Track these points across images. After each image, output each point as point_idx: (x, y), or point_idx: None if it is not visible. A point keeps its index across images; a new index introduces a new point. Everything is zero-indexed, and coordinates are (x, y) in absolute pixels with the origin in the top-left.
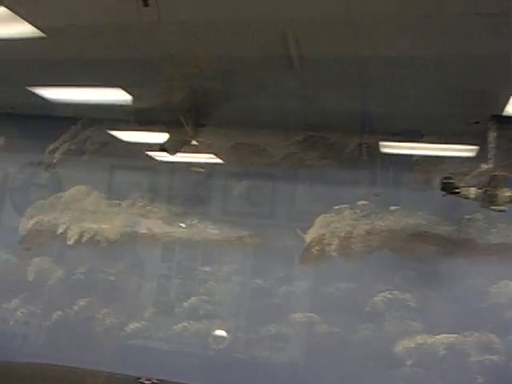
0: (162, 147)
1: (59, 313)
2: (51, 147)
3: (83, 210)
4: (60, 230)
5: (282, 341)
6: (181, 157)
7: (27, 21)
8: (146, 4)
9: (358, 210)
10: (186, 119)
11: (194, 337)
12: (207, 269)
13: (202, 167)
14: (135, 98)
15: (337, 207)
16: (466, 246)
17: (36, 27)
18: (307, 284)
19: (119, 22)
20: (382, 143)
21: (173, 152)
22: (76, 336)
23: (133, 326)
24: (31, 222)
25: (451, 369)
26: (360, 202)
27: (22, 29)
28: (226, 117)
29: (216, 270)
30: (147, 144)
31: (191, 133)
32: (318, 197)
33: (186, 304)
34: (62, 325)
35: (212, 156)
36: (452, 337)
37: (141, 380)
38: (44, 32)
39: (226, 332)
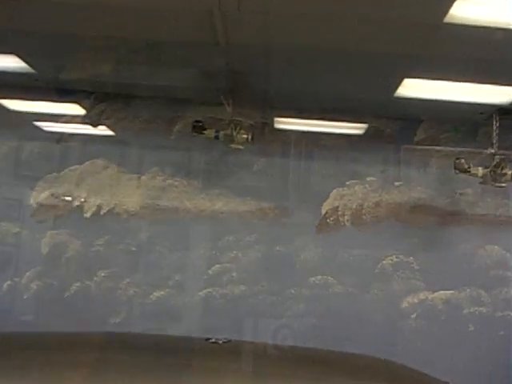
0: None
1: (78, 284)
2: (63, 119)
3: (101, 184)
4: (76, 203)
5: (303, 301)
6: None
7: None
8: None
9: (367, 185)
10: (226, 99)
11: (219, 301)
12: (230, 238)
13: (242, 145)
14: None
15: (348, 182)
16: (458, 217)
17: None
18: (324, 250)
19: None
20: (277, 119)
21: (95, 125)
22: (98, 304)
23: (158, 293)
24: (43, 196)
25: (448, 320)
26: (369, 178)
27: None
28: (250, 98)
29: (239, 239)
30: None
31: (231, 112)
32: (331, 173)
33: (210, 271)
34: (83, 296)
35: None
36: (448, 293)
37: (211, 340)
38: None
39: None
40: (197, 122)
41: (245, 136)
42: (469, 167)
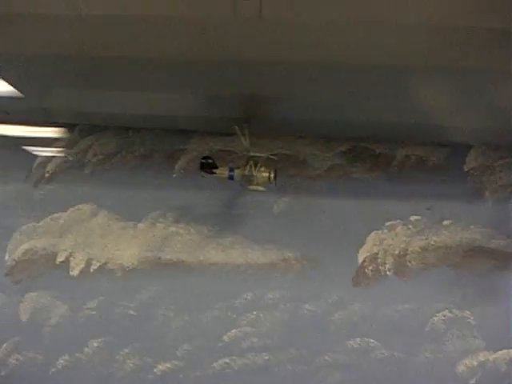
0: None
1: (66, 357)
2: (42, 158)
3: (89, 234)
4: (60, 259)
5: (340, 370)
6: None
7: None
8: None
9: (410, 226)
10: (242, 130)
11: (238, 374)
12: (249, 296)
13: (262, 185)
14: None
15: (388, 223)
16: None
17: None
18: (363, 307)
19: None
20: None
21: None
22: (91, 382)
23: (163, 366)
24: (20, 250)
25: None
26: (412, 217)
27: None
28: (267, 127)
29: (259, 297)
30: None
31: (247, 145)
32: (367, 212)
33: (225, 338)
34: (72, 371)
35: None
36: None
37: None
38: None
39: None
40: (205, 158)
41: (266, 175)
42: None
